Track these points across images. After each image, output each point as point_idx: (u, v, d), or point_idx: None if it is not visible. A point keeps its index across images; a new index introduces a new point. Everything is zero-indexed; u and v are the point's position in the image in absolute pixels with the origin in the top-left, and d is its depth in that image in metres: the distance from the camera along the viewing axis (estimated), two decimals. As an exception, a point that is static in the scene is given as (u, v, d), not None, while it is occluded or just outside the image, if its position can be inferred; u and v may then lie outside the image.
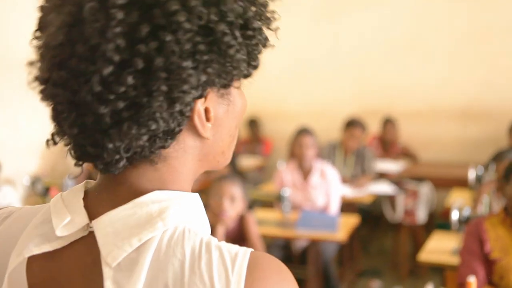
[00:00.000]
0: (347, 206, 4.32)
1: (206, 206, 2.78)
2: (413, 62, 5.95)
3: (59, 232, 0.61)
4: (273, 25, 0.66)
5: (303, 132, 3.99)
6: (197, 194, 0.66)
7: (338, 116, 5.58)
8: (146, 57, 0.55)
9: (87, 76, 0.55)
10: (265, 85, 5.47)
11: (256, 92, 5.65)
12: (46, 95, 0.60)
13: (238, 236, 2.94)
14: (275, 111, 6.63)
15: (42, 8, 0.61)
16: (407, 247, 4.49)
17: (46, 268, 0.62)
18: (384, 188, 4.60)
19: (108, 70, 0.55)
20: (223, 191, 2.86)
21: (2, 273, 0.64)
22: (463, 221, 2.72)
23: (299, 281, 1.30)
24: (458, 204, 2.85)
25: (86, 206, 0.62)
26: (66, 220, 0.61)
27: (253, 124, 6.58)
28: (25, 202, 4.47)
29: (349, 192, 4.43)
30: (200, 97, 0.60)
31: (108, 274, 0.57)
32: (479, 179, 3.53)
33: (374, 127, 5.76)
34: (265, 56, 0.66)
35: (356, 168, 4.78)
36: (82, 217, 0.61)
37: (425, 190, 4.50)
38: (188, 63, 0.56)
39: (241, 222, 2.96)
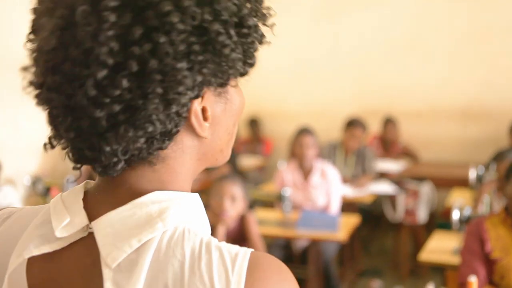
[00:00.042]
0: (348, 206, 4.32)
1: (207, 206, 2.78)
2: (413, 62, 5.95)
3: (59, 233, 0.61)
4: (269, 21, 0.65)
5: (303, 132, 3.99)
6: (197, 194, 0.65)
7: (339, 116, 5.58)
8: (140, 60, 0.54)
9: (81, 80, 0.55)
10: (265, 85, 5.48)
11: (257, 92, 5.66)
12: (41, 100, 0.59)
13: (239, 236, 2.94)
14: (276, 111, 6.62)
15: (34, 11, 0.60)
16: (408, 247, 4.49)
17: (45, 269, 0.62)
18: (384, 188, 4.60)
19: (102, 73, 0.54)
20: (224, 191, 2.86)
21: (2, 274, 0.64)
22: (464, 221, 2.71)
23: (300, 281, 1.30)
24: (459, 204, 2.85)
25: (85, 207, 0.62)
26: (65, 221, 0.61)
27: (253, 124, 6.57)
28: (25, 202, 4.47)
29: (350, 192, 4.43)
30: (196, 97, 0.60)
31: (108, 275, 0.57)
32: (479, 179, 3.53)
33: (374, 127, 5.76)
34: (266, 56, 0.66)
35: (357, 168, 4.78)
36: (81, 218, 0.61)
37: (426, 190, 4.50)
38: (183, 64, 0.56)
39: (242, 222, 2.96)
